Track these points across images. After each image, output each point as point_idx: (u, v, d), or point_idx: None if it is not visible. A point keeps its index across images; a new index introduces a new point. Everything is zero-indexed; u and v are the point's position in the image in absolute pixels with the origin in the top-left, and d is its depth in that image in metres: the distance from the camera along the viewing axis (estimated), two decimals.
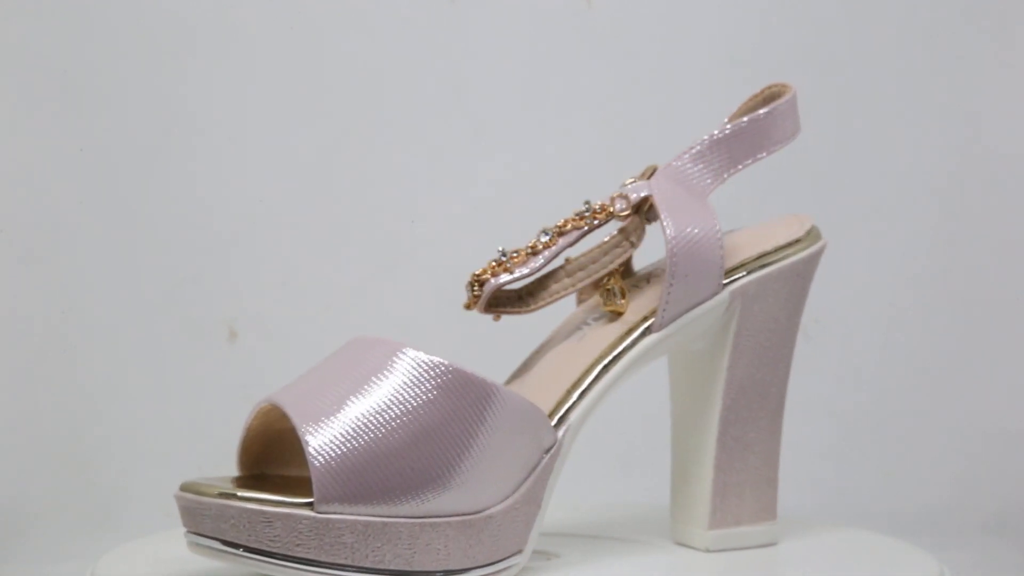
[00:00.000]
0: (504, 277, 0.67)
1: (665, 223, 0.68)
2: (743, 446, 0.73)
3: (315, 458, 0.59)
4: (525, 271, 0.67)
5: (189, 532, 0.61)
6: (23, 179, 1.04)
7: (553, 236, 0.68)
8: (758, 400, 0.73)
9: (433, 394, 0.61)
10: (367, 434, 0.59)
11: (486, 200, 1.07)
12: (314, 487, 0.58)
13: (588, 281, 0.69)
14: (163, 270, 1.05)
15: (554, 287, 0.69)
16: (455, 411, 0.61)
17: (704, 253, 0.69)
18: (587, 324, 0.71)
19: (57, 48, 1.04)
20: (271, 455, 0.66)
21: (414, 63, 1.06)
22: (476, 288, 0.67)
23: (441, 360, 0.61)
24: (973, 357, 1.06)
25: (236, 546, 0.59)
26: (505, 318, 0.70)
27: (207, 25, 1.05)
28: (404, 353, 0.62)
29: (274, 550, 0.58)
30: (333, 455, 0.59)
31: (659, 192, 0.69)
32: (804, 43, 1.06)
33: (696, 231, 0.69)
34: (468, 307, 0.68)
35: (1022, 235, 1.06)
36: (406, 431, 0.60)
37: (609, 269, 0.69)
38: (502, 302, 0.68)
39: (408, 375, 0.61)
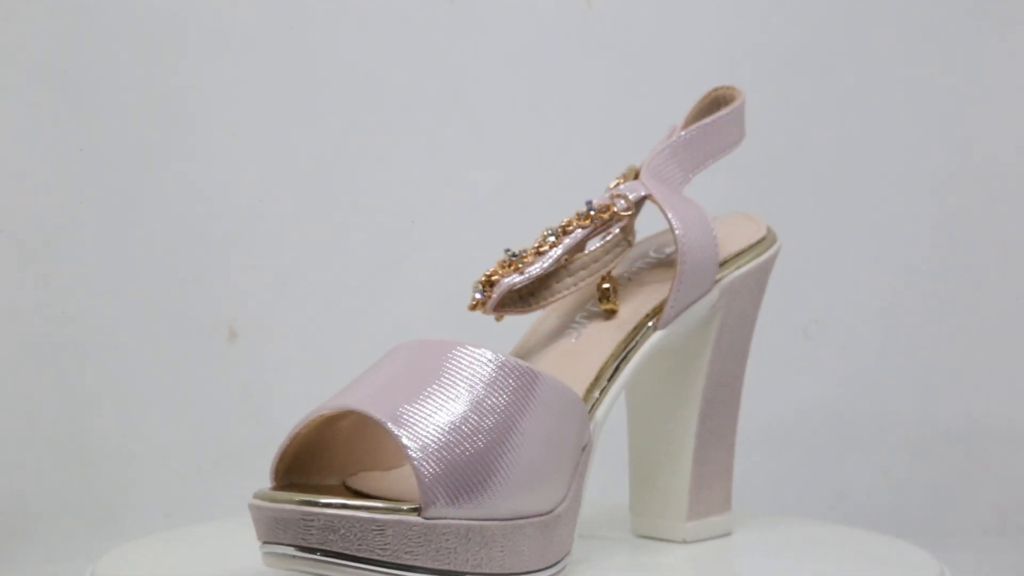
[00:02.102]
0: (516, 278, 0.67)
1: (674, 222, 0.69)
2: (716, 438, 0.75)
3: (420, 463, 0.57)
4: (534, 272, 0.68)
5: (281, 544, 0.58)
6: (23, 179, 1.04)
7: (558, 236, 0.68)
8: (728, 393, 0.76)
9: (514, 395, 0.61)
10: (462, 437, 0.58)
11: (486, 200, 1.07)
12: (421, 492, 0.57)
13: (590, 280, 0.69)
14: (163, 270, 1.05)
15: (556, 287, 0.69)
16: (531, 410, 0.61)
17: (704, 251, 0.70)
18: (577, 324, 0.71)
19: (57, 48, 1.04)
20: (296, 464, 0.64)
21: (414, 63, 1.07)
22: (486, 289, 0.67)
23: (516, 360, 0.61)
24: (973, 357, 1.06)
25: (344, 556, 0.57)
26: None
27: (207, 25, 1.05)
28: (482, 354, 0.61)
29: (384, 559, 0.57)
30: (434, 459, 0.57)
31: (656, 192, 0.70)
32: (804, 43, 1.07)
33: (696, 229, 0.70)
34: (475, 308, 0.68)
35: (1022, 235, 1.06)
36: (496, 432, 0.59)
37: (609, 268, 0.70)
38: (505, 302, 0.68)
39: (490, 376, 0.61)
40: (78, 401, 1.03)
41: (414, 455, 0.57)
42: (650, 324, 0.69)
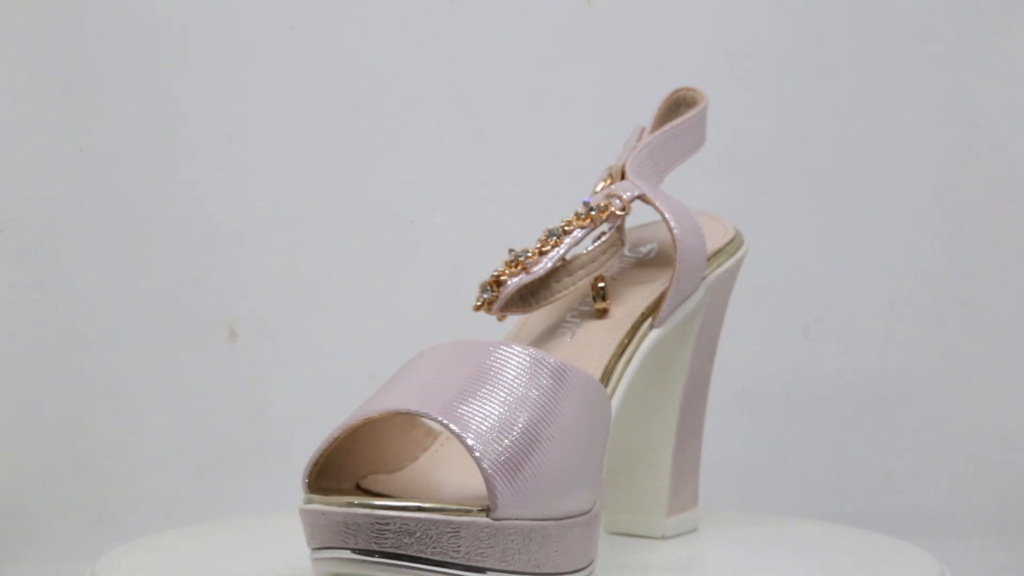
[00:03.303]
0: (525, 277, 0.67)
1: (672, 222, 0.70)
2: (691, 434, 0.76)
3: (489, 465, 0.57)
4: (540, 271, 0.68)
5: (339, 549, 0.57)
6: (23, 179, 1.04)
7: (560, 236, 0.69)
8: (702, 389, 0.77)
9: (561, 394, 0.61)
10: (521, 437, 0.58)
11: (486, 200, 1.07)
12: (489, 493, 0.57)
13: (587, 280, 0.70)
14: (163, 270, 1.05)
15: (555, 287, 0.69)
16: (576, 409, 0.61)
17: (696, 248, 0.71)
18: (570, 323, 0.71)
19: (57, 48, 1.04)
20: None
21: (414, 63, 1.06)
22: (494, 289, 0.67)
23: (562, 360, 0.61)
24: (973, 357, 1.06)
25: (418, 560, 0.56)
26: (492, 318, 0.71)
27: (207, 25, 1.05)
28: (529, 353, 0.61)
29: (456, 560, 0.56)
30: (499, 460, 0.57)
31: (649, 191, 0.71)
32: (804, 43, 1.07)
33: (689, 227, 0.71)
34: (480, 308, 0.68)
35: (1022, 235, 1.06)
36: (550, 431, 0.59)
37: (606, 267, 0.70)
38: (508, 303, 0.69)
39: (538, 375, 0.61)
40: (78, 401, 1.03)
41: (482, 458, 0.57)
42: (646, 323, 0.70)
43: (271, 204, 1.06)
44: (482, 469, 0.57)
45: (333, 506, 0.57)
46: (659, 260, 0.75)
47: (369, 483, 0.63)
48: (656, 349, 0.71)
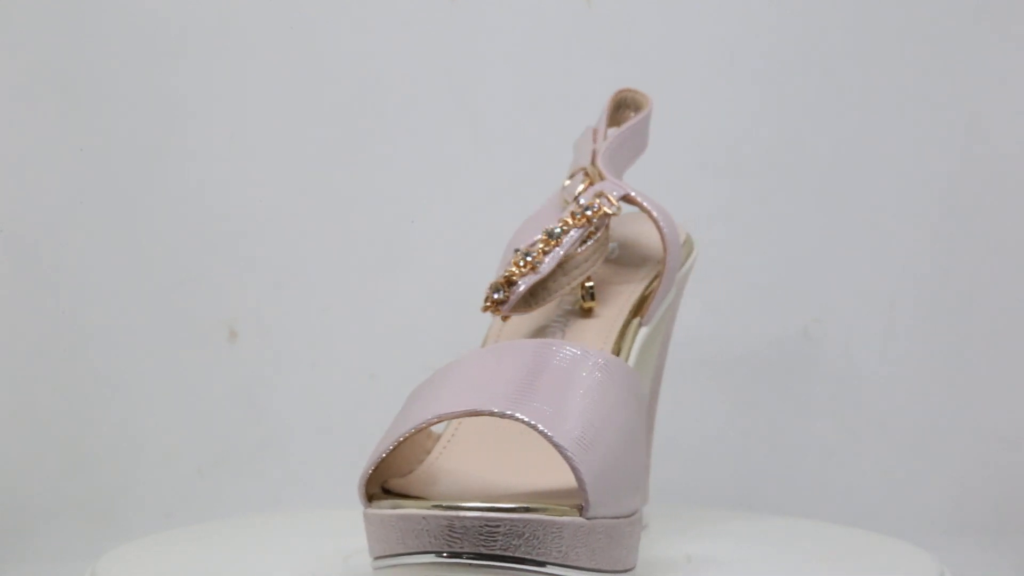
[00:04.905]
0: (533, 277, 0.68)
1: (661, 221, 0.70)
2: (649, 431, 0.78)
3: (582, 465, 0.57)
4: (546, 270, 0.68)
5: (424, 553, 0.56)
6: (23, 179, 1.04)
7: (560, 237, 0.69)
8: (658, 386, 0.78)
9: (626, 392, 0.61)
10: (602, 435, 0.58)
11: (486, 200, 1.07)
12: (583, 493, 0.56)
13: (581, 279, 0.70)
14: (163, 270, 1.05)
15: (552, 287, 0.69)
16: (636, 406, 0.62)
17: (678, 247, 0.72)
18: (558, 323, 0.72)
19: (57, 48, 1.04)
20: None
21: (414, 63, 1.06)
22: (505, 289, 0.68)
23: (616, 357, 0.62)
24: (973, 357, 1.06)
25: (530, 562, 0.56)
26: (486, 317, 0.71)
27: (207, 25, 1.05)
28: (592, 353, 0.62)
29: (557, 560, 0.56)
30: (588, 459, 0.57)
31: (633, 190, 0.71)
32: (804, 43, 1.06)
33: (671, 226, 0.72)
34: (489, 309, 0.68)
35: (1022, 235, 1.06)
36: (623, 429, 0.60)
37: (596, 266, 0.70)
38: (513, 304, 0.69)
39: (607, 375, 0.61)
40: (78, 401, 1.03)
41: (574, 457, 0.57)
42: (635, 321, 0.70)
43: (271, 204, 1.06)
44: (574, 468, 0.56)
45: (439, 511, 0.56)
46: (625, 259, 0.76)
47: (392, 486, 0.63)
48: (644, 347, 0.72)
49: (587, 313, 0.71)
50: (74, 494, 1.02)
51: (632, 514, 0.60)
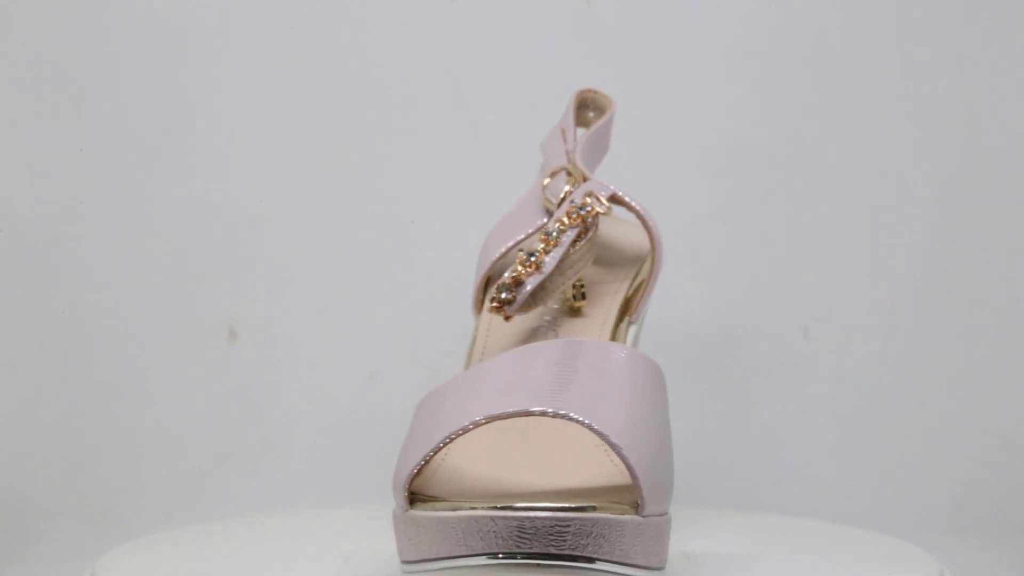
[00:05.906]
0: (538, 277, 0.68)
1: (649, 221, 0.71)
2: None
3: (637, 463, 0.57)
4: (548, 270, 0.68)
5: (479, 556, 0.56)
6: (23, 179, 1.04)
7: (558, 237, 0.69)
8: None
9: (662, 391, 0.62)
10: (652, 434, 0.59)
11: (486, 200, 1.07)
12: (640, 491, 0.57)
13: (575, 278, 0.70)
14: (163, 270, 1.05)
15: (550, 287, 0.70)
16: (667, 405, 0.62)
17: (663, 247, 0.73)
18: (548, 322, 0.72)
19: (57, 48, 1.04)
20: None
21: (414, 63, 1.07)
22: (513, 289, 0.68)
23: (648, 355, 0.62)
24: (973, 357, 1.06)
25: (590, 560, 0.56)
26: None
27: (207, 25, 1.05)
28: (636, 352, 0.62)
29: (618, 559, 0.57)
30: (641, 457, 0.58)
31: (619, 190, 0.72)
32: (804, 43, 1.07)
33: (657, 226, 0.73)
34: (495, 310, 0.68)
35: (1022, 235, 1.06)
36: (662, 430, 0.60)
37: (588, 266, 0.71)
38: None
39: (648, 374, 0.62)
40: (78, 401, 1.03)
41: (626, 452, 0.57)
42: (625, 319, 0.71)
43: (271, 204, 1.06)
44: (630, 468, 0.57)
45: (507, 511, 0.56)
46: (604, 259, 0.76)
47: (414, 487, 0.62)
48: (632, 344, 0.72)
49: (576, 313, 0.72)
50: (74, 494, 1.02)
51: (667, 512, 0.60)
